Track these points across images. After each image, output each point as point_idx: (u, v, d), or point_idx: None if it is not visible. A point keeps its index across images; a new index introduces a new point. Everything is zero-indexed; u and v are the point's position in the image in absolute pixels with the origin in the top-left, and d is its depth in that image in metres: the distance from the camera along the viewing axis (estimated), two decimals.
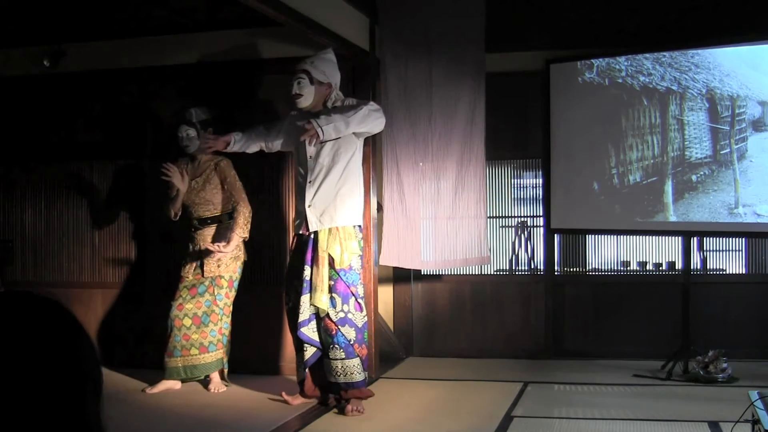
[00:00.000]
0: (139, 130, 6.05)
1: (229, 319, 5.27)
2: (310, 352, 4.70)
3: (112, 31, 5.93)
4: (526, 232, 6.59)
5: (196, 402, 4.98)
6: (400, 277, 6.54)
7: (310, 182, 4.70)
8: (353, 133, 4.64)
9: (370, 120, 4.62)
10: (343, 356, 4.57)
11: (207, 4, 5.45)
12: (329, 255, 4.62)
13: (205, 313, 5.18)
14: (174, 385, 5.20)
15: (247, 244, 5.34)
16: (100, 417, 1.00)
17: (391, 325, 6.57)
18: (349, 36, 5.35)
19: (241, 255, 5.31)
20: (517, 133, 6.49)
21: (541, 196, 6.45)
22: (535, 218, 6.59)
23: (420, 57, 5.74)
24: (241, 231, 5.16)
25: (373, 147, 5.58)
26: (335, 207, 4.65)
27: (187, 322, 5.17)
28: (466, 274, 6.57)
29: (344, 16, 5.37)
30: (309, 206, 4.67)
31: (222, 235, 5.21)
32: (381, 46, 5.71)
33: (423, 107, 5.75)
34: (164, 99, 5.99)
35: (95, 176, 6.16)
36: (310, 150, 4.70)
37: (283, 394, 4.88)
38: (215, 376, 5.26)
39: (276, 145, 5.02)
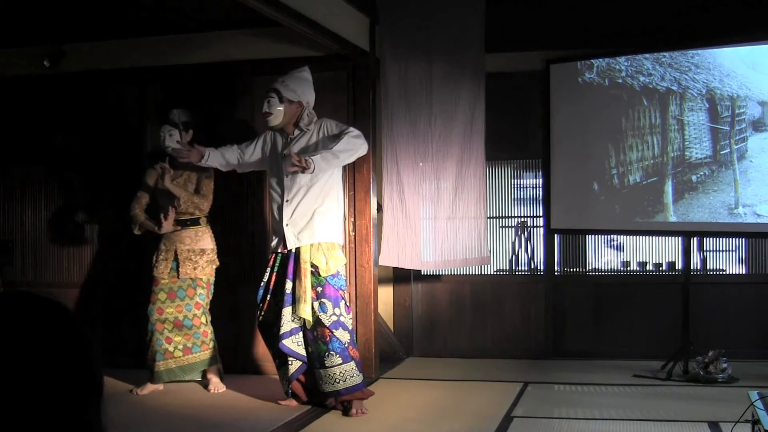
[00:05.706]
0: (138, 129, 6.04)
1: (209, 318, 5.25)
2: (295, 366, 4.67)
3: (111, 31, 5.93)
4: (526, 233, 6.58)
5: (196, 402, 4.98)
6: (400, 277, 6.54)
7: (287, 201, 4.67)
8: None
9: (354, 148, 4.59)
10: (340, 361, 4.55)
11: (207, 4, 5.44)
12: (313, 264, 4.59)
13: (187, 317, 5.16)
14: (158, 387, 5.19)
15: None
16: (101, 417, 1.00)
17: (391, 325, 6.56)
18: (349, 36, 5.35)
19: (216, 260, 5.29)
20: (517, 133, 6.49)
21: (541, 196, 6.45)
22: (535, 218, 6.58)
23: (420, 57, 5.73)
24: (184, 194, 5.06)
25: (373, 147, 5.57)
26: (313, 224, 4.62)
27: (169, 326, 5.15)
28: (466, 275, 6.57)
29: (344, 16, 5.37)
30: (287, 225, 4.66)
31: (200, 238, 5.20)
32: (381, 47, 5.70)
33: (423, 107, 5.75)
34: (164, 99, 5.98)
35: (95, 176, 6.16)
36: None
37: (280, 402, 4.84)
38: (214, 377, 5.26)
39: (250, 164, 4.97)
